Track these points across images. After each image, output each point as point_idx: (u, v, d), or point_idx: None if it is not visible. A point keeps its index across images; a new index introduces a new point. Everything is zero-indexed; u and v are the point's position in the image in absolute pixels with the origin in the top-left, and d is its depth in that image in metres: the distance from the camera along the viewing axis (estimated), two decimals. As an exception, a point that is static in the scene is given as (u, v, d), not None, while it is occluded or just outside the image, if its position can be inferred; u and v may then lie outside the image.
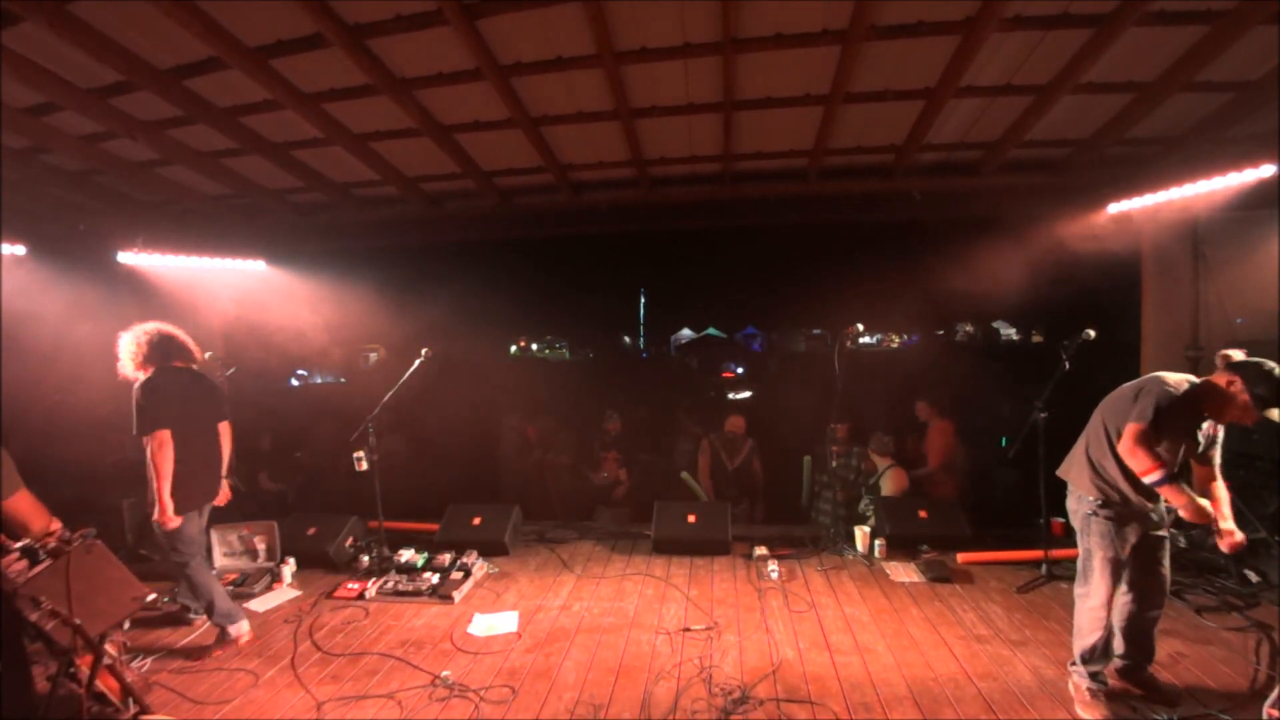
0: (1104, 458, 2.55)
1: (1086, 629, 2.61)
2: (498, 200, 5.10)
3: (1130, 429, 2.39)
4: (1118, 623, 2.65)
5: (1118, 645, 2.67)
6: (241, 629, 3.26)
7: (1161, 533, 2.58)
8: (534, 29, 3.06)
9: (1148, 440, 2.35)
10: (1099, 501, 2.55)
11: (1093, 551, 2.58)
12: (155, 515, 3.08)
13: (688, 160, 4.51)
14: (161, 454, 3.05)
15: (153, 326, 3.30)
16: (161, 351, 3.26)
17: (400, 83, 3.47)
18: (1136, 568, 2.58)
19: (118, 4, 2.79)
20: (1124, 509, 2.52)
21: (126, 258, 4.70)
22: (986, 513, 5.04)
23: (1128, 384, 2.59)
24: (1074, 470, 2.70)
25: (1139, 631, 2.63)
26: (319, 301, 5.99)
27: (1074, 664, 2.67)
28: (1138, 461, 2.36)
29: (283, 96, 3.47)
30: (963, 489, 5.21)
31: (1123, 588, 2.62)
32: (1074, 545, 4.12)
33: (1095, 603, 2.57)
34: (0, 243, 4.46)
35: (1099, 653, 2.59)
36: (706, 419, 6.18)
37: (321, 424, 6.73)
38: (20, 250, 4.64)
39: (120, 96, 3.53)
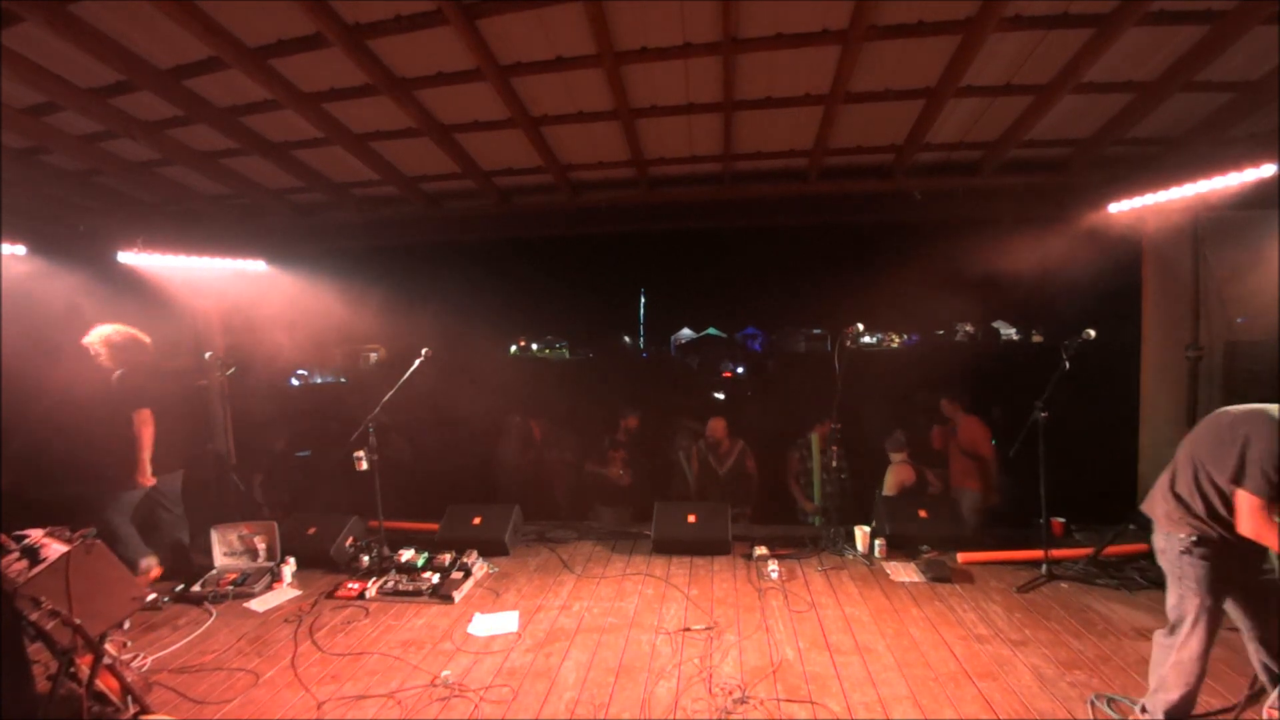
0: (1193, 495, 2.28)
1: (1171, 682, 2.31)
2: (498, 200, 5.09)
3: (1249, 505, 2.07)
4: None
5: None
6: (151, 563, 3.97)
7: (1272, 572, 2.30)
8: (534, 29, 3.06)
9: (1269, 513, 2.05)
10: (1193, 538, 2.26)
11: (1186, 598, 2.28)
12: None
13: (688, 160, 4.50)
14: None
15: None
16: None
17: (400, 83, 3.47)
18: (1252, 614, 2.25)
19: (118, 4, 2.79)
20: (1223, 547, 2.22)
21: (126, 258, 4.69)
22: (987, 513, 5.04)
23: (1225, 415, 2.24)
24: (1159, 506, 2.41)
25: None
26: (319, 301, 5.99)
27: (1145, 711, 2.42)
28: (1269, 540, 2.07)
29: (283, 96, 3.47)
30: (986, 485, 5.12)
31: (1251, 635, 2.28)
32: (1074, 545, 4.19)
33: (1186, 656, 2.27)
34: (0, 243, 4.47)
35: (1181, 710, 2.32)
36: (703, 419, 6.12)
37: (323, 424, 6.73)
38: (20, 250, 4.63)
39: (120, 96, 3.52)
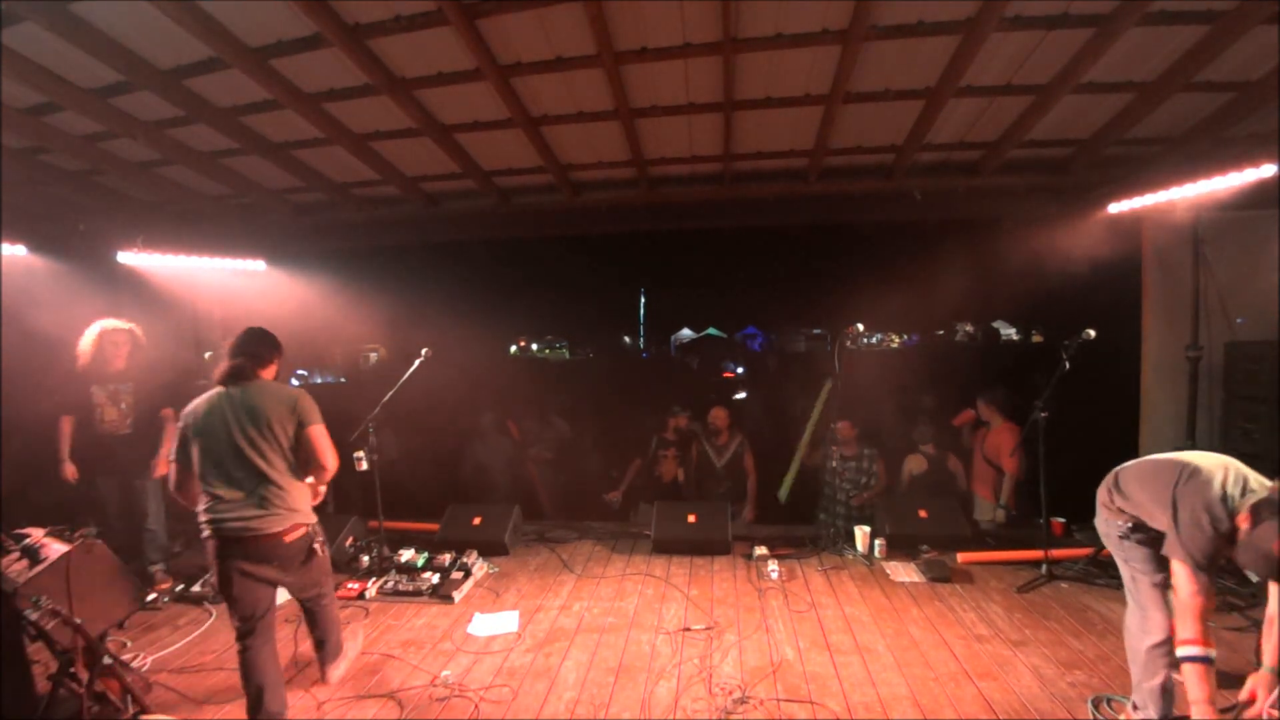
0: (1126, 500, 2.40)
1: (1151, 670, 2.34)
2: (498, 200, 5.10)
3: (1189, 579, 2.07)
4: None
5: None
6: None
7: None
8: (534, 29, 3.06)
9: (1207, 597, 2.06)
10: (1129, 525, 2.39)
11: (1137, 578, 2.40)
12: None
13: (688, 160, 4.51)
14: None
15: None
16: None
17: (400, 83, 3.47)
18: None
19: (118, 4, 2.79)
20: (1158, 534, 2.29)
21: (126, 258, 4.69)
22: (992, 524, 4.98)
23: (1169, 464, 2.26)
24: (1102, 494, 2.55)
25: None
26: (318, 301, 5.97)
27: (1136, 709, 2.42)
28: (1186, 625, 2.08)
29: (283, 96, 3.47)
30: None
31: None
32: (1074, 545, 4.19)
33: (1157, 638, 2.32)
34: (0, 243, 4.47)
35: (1168, 694, 2.34)
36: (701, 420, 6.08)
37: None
38: (20, 250, 4.63)
39: (120, 96, 3.53)
